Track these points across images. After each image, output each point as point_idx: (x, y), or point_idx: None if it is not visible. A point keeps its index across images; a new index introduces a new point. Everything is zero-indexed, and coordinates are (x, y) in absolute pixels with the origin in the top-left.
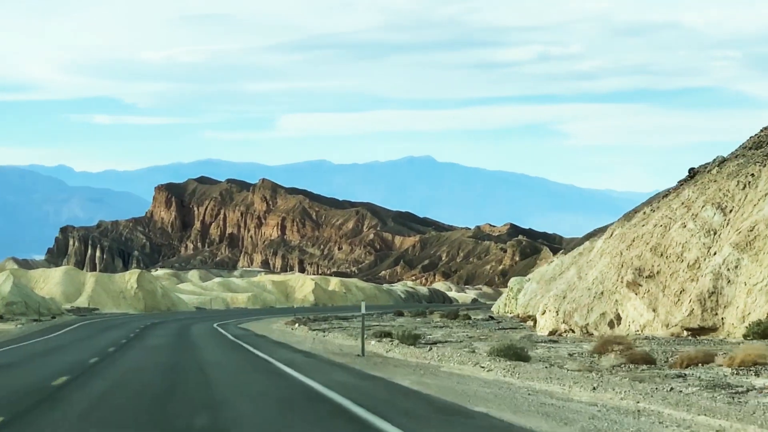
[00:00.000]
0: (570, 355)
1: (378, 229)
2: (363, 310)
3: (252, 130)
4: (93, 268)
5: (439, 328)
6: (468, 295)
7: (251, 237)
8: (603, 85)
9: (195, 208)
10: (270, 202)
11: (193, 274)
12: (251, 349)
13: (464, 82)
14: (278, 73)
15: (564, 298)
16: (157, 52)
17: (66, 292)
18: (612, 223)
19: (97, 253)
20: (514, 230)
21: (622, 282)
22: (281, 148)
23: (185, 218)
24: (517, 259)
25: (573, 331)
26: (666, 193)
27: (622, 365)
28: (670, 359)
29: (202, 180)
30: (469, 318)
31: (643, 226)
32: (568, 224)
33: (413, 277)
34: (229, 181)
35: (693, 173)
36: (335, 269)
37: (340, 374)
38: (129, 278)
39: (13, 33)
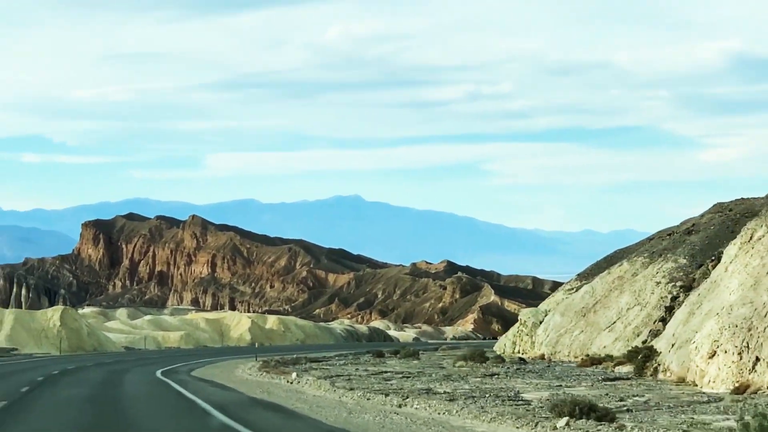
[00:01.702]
0: None
1: (311, 266)
2: None
3: (180, 169)
4: (18, 308)
5: (489, 377)
6: (408, 333)
7: (181, 275)
8: (533, 125)
9: (123, 246)
10: (200, 240)
11: (122, 312)
12: None
13: (394, 122)
14: (208, 111)
15: (749, 330)
16: (87, 91)
17: None
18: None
19: (23, 292)
20: (452, 267)
21: None
22: (210, 187)
23: (113, 256)
24: (458, 296)
25: None
26: None
27: None
28: None
29: (131, 217)
30: (502, 361)
31: None
32: (498, 263)
33: (349, 315)
34: (158, 218)
35: None
36: (267, 307)
37: None
38: (52, 315)
39: None
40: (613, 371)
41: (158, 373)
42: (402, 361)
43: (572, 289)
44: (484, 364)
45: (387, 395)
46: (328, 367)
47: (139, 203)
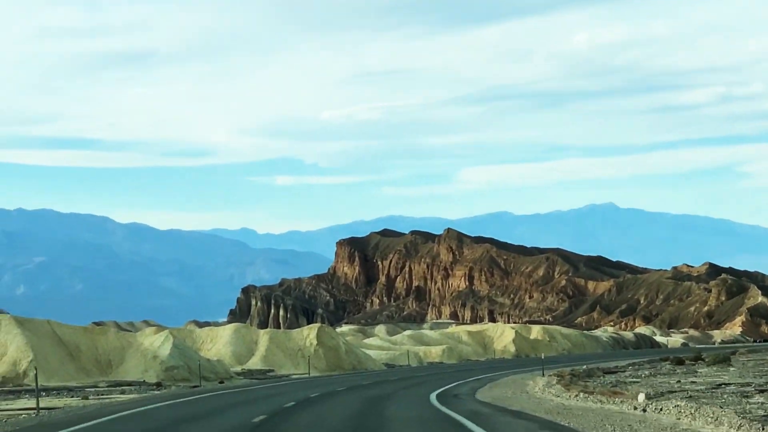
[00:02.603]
0: None
1: (570, 275)
2: None
3: (432, 184)
4: (277, 328)
5: None
6: (675, 339)
7: (438, 289)
8: None
9: (379, 262)
10: (456, 253)
11: (380, 329)
12: None
13: (644, 127)
14: (457, 126)
15: None
16: (336, 111)
17: (236, 353)
18: None
19: (281, 312)
20: (714, 270)
21: None
22: (462, 201)
23: (369, 273)
24: (723, 299)
25: None
26: None
27: None
28: None
29: (385, 233)
30: None
31: None
32: (759, 264)
33: (612, 323)
34: (413, 233)
35: None
36: (527, 318)
37: None
38: (307, 334)
39: (194, 98)
40: None
41: (434, 399)
42: (715, 368)
43: None
44: None
45: None
46: (635, 379)
47: (393, 220)
